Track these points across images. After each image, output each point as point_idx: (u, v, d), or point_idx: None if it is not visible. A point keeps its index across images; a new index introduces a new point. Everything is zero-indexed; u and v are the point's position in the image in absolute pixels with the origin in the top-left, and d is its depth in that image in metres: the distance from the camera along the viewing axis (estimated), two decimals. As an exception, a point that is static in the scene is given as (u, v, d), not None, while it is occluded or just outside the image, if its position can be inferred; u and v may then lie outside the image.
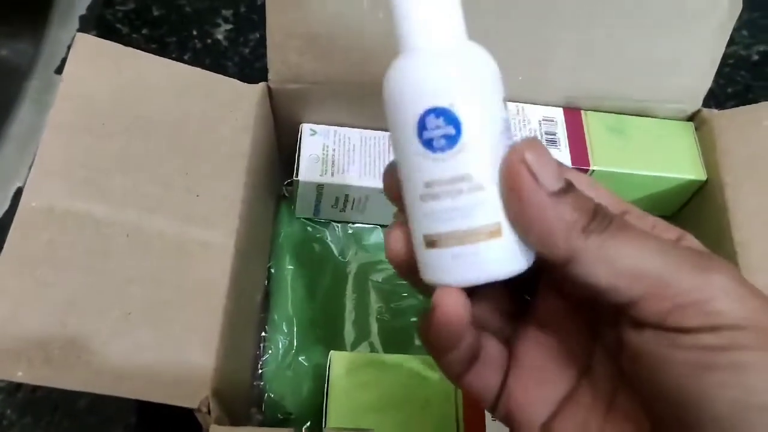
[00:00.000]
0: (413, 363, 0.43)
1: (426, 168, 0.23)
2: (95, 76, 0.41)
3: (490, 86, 0.24)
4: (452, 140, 0.23)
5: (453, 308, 0.24)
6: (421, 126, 0.23)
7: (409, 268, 0.26)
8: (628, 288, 0.22)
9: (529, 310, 0.28)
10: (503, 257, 0.23)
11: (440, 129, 0.23)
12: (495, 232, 0.23)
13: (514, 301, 0.29)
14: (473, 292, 0.25)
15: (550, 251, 0.23)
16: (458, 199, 0.23)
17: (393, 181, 0.25)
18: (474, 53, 0.24)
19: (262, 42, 0.43)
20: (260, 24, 0.42)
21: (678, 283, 0.22)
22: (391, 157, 0.47)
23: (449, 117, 0.23)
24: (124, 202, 0.38)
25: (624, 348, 0.24)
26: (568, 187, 0.23)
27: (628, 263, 0.22)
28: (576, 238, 0.22)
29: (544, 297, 0.28)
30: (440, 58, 0.23)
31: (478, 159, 0.23)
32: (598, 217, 0.23)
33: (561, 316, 0.27)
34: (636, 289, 0.22)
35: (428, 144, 0.23)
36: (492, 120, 0.23)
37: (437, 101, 0.23)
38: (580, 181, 0.24)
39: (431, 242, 0.24)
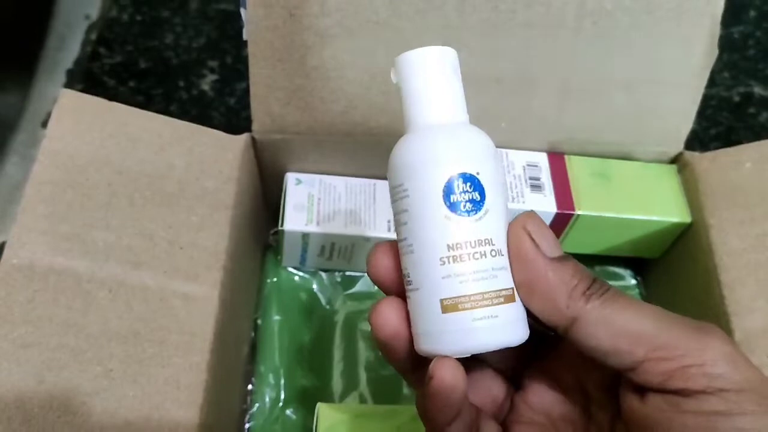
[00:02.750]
0: (404, 414, 0.42)
1: (450, 230, 0.24)
2: (78, 131, 0.41)
3: (498, 161, 0.25)
4: (477, 205, 0.24)
5: (450, 377, 0.24)
6: (448, 190, 0.24)
7: (397, 343, 0.26)
8: (630, 350, 0.23)
9: (520, 398, 0.28)
10: (517, 321, 0.24)
11: (467, 193, 0.24)
12: (510, 297, 0.24)
13: (506, 389, 0.29)
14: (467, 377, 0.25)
15: (554, 314, 0.24)
16: (481, 262, 0.24)
17: (385, 262, 0.26)
18: (482, 131, 0.25)
19: (248, 91, 0.43)
20: (246, 74, 0.42)
21: (678, 344, 0.22)
22: (378, 205, 0.49)
23: (475, 183, 0.24)
24: (106, 256, 0.38)
25: (624, 421, 0.24)
26: (567, 257, 0.24)
27: (629, 325, 0.23)
28: (577, 300, 0.23)
29: (533, 386, 0.28)
30: (464, 131, 0.25)
31: (497, 226, 0.24)
32: (597, 284, 0.24)
33: (552, 403, 0.27)
34: (638, 351, 0.23)
35: (455, 207, 0.24)
36: (504, 192, 0.25)
37: (465, 168, 0.24)
38: None
39: (451, 305, 0.24)
